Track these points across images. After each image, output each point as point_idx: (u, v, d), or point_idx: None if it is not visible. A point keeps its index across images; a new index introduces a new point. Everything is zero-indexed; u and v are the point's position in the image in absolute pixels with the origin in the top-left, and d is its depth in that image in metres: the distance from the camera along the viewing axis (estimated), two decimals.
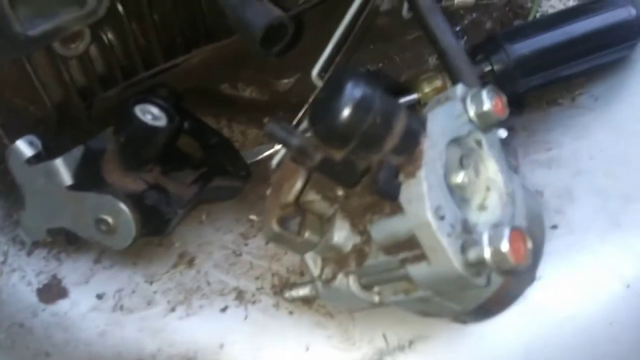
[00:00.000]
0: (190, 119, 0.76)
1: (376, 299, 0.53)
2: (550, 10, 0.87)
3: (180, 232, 0.69)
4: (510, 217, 0.49)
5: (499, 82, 0.77)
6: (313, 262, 0.55)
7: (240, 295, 0.63)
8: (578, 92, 0.81)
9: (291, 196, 0.50)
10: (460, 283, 0.45)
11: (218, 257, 0.66)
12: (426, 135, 0.46)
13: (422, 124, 0.47)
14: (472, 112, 0.49)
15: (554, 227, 0.67)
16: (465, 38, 0.88)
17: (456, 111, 0.49)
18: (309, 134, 0.45)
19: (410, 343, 0.59)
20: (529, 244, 0.43)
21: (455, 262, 0.43)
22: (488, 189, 0.50)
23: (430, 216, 0.44)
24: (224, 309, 0.62)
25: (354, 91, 0.43)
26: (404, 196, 0.45)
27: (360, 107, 0.43)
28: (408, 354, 0.59)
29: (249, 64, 0.80)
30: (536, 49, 0.76)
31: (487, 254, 0.42)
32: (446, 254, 0.43)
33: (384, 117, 0.44)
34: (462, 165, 0.49)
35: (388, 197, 0.45)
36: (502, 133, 0.60)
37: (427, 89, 0.72)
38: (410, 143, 0.45)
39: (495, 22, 0.89)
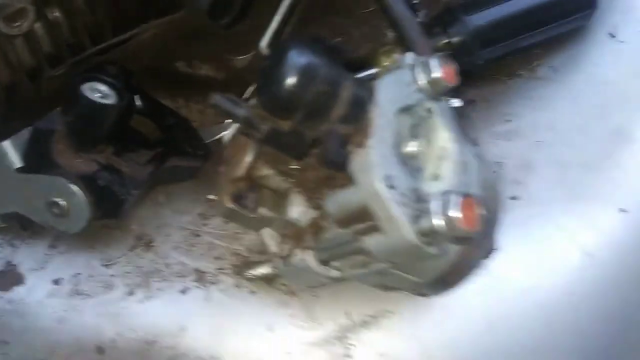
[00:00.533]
0: (146, 98, 0.74)
1: (335, 273, 0.52)
2: None
3: (138, 214, 0.67)
4: (464, 186, 0.49)
5: (457, 54, 0.77)
6: (271, 239, 0.55)
7: (200, 277, 0.62)
8: (537, 63, 0.81)
9: (241, 170, 0.49)
10: (415, 252, 0.44)
11: (177, 239, 0.65)
12: (375, 103, 0.45)
13: (370, 92, 0.46)
14: (421, 80, 0.49)
15: (514, 198, 0.67)
16: (424, 10, 0.87)
17: (405, 79, 0.48)
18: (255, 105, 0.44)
19: (374, 319, 0.59)
20: (481, 211, 0.43)
21: (408, 231, 0.43)
22: (441, 158, 0.49)
23: (380, 185, 0.43)
24: (183, 291, 0.61)
25: (297, 59, 0.42)
26: (354, 166, 0.45)
27: (304, 75, 0.42)
28: (372, 330, 0.59)
29: (204, 41, 0.78)
30: (493, 20, 0.76)
31: (438, 221, 0.42)
32: (398, 223, 0.43)
33: (329, 85, 0.43)
34: (413, 134, 0.49)
35: (337, 168, 0.45)
36: (456, 102, 0.59)
37: (385, 62, 0.71)
38: (358, 112, 0.45)
39: None
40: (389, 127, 0.46)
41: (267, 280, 0.61)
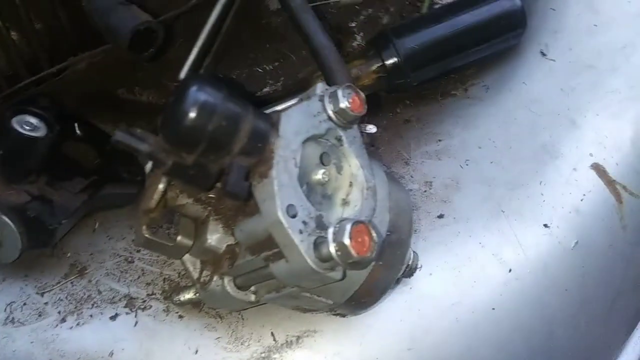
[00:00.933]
0: (85, 125, 0.76)
1: (252, 298, 0.54)
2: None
3: (73, 241, 0.69)
4: (371, 211, 0.51)
5: (391, 76, 0.79)
6: (192, 266, 0.56)
7: (130, 302, 0.64)
8: (470, 82, 0.84)
9: (152, 202, 0.50)
10: (317, 278, 0.46)
11: (110, 265, 0.67)
12: (278, 135, 0.47)
13: (274, 124, 0.48)
14: (330, 110, 0.51)
15: (440, 216, 0.69)
16: (361, 34, 0.90)
17: (313, 110, 0.50)
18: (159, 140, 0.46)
19: (298, 339, 0.61)
20: (375, 236, 0.45)
21: (308, 258, 0.45)
22: (351, 184, 0.52)
23: (281, 214, 0.45)
24: (114, 317, 0.63)
25: (197, 95, 0.44)
26: (258, 196, 0.47)
27: (203, 110, 0.44)
28: (296, 350, 0.61)
29: (144, 68, 0.80)
30: (425, 43, 0.79)
31: (332, 248, 0.44)
32: (298, 250, 0.45)
33: (229, 120, 0.45)
34: (322, 162, 0.51)
35: (238, 199, 0.46)
36: (372, 129, 0.61)
37: None
38: (260, 144, 0.46)
39: (392, 16, 0.91)
40: (292, 157, 0.48)
41: (196, 304, 0.63)
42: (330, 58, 0.60)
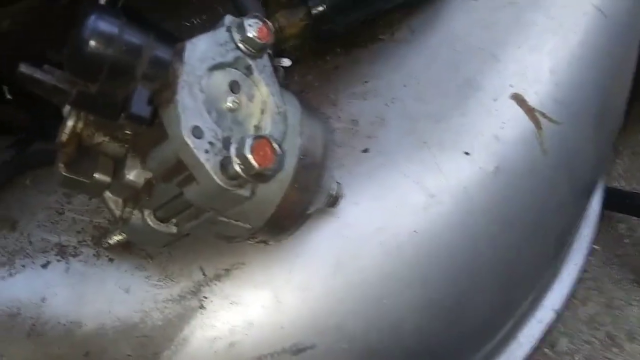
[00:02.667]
0: (15, 88, 0.77)
1: (173, 229, 0.56)
2: None
3: (4, 198, 0.70)
4: (281, 134, 0.53)
5: (317, 23, 0.81)
6: (114, 204, 0.58)
7: (61, 250, 0.65)
8: (397, 26, 0.86)
9: (64, 136, 0.52)
10: (227, 196, 0.48)
11: (41, 218, 0.68)
12: (183, 62, 0.49)
13: (178, 52, 0.50)
14: (237, 39, 0.52)
15: (365, 150, 0.72)
16: None
17: (220, 39, 0.52)
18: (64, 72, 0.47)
19: (227, 271, 0.63)
20: (277, 149, 0.47)
21: (215, 175, 0.47)
22: (263, 111, 0.54)
23: (186, 135, 0.47)
24: (45, 265, 0.64)
25: (95, 23, 0.45)
26: (165, 120, 0.48)
27: (102, 37, 0.45)
28: (225, 282, 0.63)
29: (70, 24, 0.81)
30: None
31: (235, 162, 0.46)
32: (205, 169, 0.47)
33: (129, 45, 0.46)
34: (232, 90, 0.53)
35: (142, 122, 0.48)
36: (286, 62, 0.63)
37: None
38: (162, 70, 0.48)
39: None
40: (197, 82, 0.50)
41: (126, 247, 0.64)
42: None
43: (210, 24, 0.84)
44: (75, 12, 0.66)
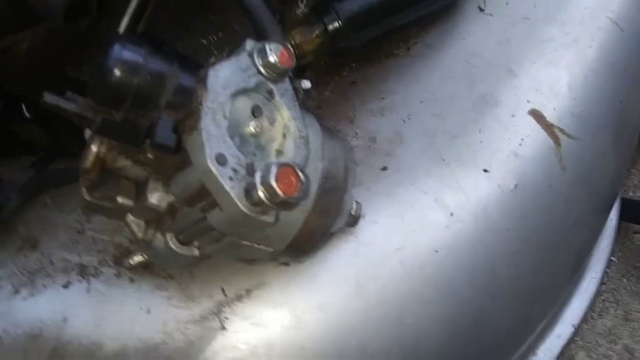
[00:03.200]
0: (32, 105, 0.77)
1: (196, 252, 0.56)
2: None
3: (24, 217, 0.71)
4: (304, 159, 0.53)
5: (333, 40, 0.81)
6: (136, 227, 0.58)
7: (82, 270, 0.66)
8: (412, 41, 0.86)
9: (88, 162, 0.52)
10: (251, 222, 0.49)
11: (61, 237, 0.68)
12: (206, 89, 0.49)
13: (202, 78, 0.50)
14: (259, 64, 0.53)
15: (384, 168, 0.72)
16: (304, 1, 0.92)
17: (242, 64, 0.52)
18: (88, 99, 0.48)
19: (248, 292, 0.63)
20: (301, 177, 0.47)
21: (239, 202, 0.47)
22: (284, 135, 0.54)
23: (210, 163, 0.47)
24: (66, 285, 0.65)
25: (120, 52, 0.46)
26: (189, 148, 0.49)
27: (127, 65, 0.46)
28: (246, 303, 0.63)
29: (89, 44, 0.81)
30: (364, 5, 0.81)
31: (260, 190, 0.46)
32: (230, 196, 0.47)
33: (153, 74, 0.47)
34: (254, 115, 0.53)
35: (167, 150, 0.49)
36: (307, 84, 0.64)
37: None
38: (186, 97, 0.49)
39: None
40: (221, 109, 0.50)
41: (146, 267, 0.64)
42: (260, 16, 0.62)
43: (227, 42, 0.85)
44: (94, 32, 0.67)
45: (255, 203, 0.48)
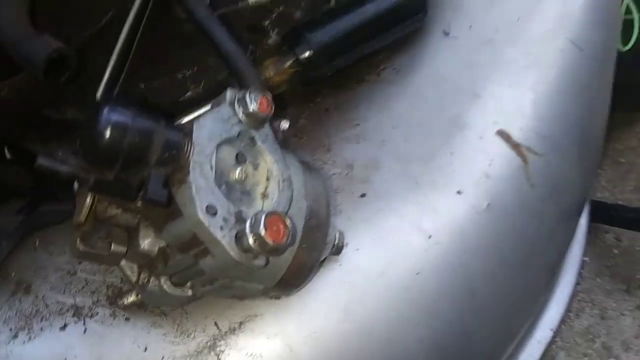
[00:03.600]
0: (14, 148, 0.79)
1: (189, 293, 0.59)
2: None
3: (15, 261, 0.72)
4: (288, 200, 0.56)
5: (305, 70, 0.84)
6: (130, 270, 0.61)
7: (78, 312, 0.68)
8: (382, 67, 0.90)
9: (82, 216, 0.55)
10: (242, 268, 0.52)
11: (54, 279, 0.70)
12: (192, 143, 0.52)
13: (187, 133, 0.53)
14: (240, 114, 0.56)
15: (363, 195, 0.75)
16: (275, 30, 0.95)
17: (224, 115, 0.55)
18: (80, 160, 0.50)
19: (241, 324, 0.66)
20: (288, 224, 0.50)
21: (231, 251, 0.50)
22: (268, 178, 0.57)
23: (201, 215, 0.50)
24: (63, 327, 0.67)
25: (108, 116, 0.48)
26: (179, 201, 0.52)
27: (116, 129, 0.48)
28: (239, 335, 0.66)
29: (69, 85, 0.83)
30: (334, 35, 0.84)
31: (250, 239, 0.49)
32: (221, 245, 0.50)
33: (142, 135, 0.50)
34: (238, 161, 0.56)
35: (159, 205, 0.51)
36: (285, 124, 0.67)
37: None
38: (174, 153, 0.51)
39: (304, 10, 0.95)
40: (207, 162, 0.53)
41: (140, 306, 0.67)
42: (237, 61, 0.65)
43: (202, 76, 0.87)
44: (74, 84, 0.69)
45: (246, 250, 0.51)
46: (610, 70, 0.94)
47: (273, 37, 0.96)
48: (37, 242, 0.75)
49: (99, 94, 0.67)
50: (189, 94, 0.88)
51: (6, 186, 0.76)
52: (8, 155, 0.78)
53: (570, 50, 0.87)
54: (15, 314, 0.69)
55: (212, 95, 0.69)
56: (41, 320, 0.68)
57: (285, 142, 0.69)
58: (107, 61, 0.71)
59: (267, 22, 0.95)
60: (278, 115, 0.77)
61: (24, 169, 0.80)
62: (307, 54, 0.84)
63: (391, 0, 0.87)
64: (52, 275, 0.71)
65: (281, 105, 0.85)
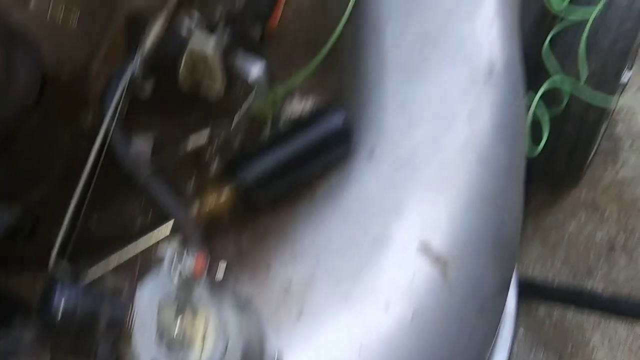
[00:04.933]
0: None
1: None
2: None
3: None
4: (224, 347, 0.63)
5: (243, 198, 0.92)
6: None
7: None
8: (316, 188, 0.98)
9: None
10: None
11: None
12: (134, 310, 0.59)
13: (128, 304, 0.60)
14: (177, 277, 0.63)
15: (300, 313, 0.82)
16: (217, 160, 1.03)
17: (164, 271, 0.63)
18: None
19: None
20: None
21: None
22: (205, 328, 0.64)
23: None
24: None
25: (58, 301, 0.56)
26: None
27: (66, 309, 0.55)
28: None
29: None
30: (267, 169, 0.94)
31: None
32: None
33: (89, 313, 0.57)
34: (179, 312, 0.63)
35: None
36: (220, 275, 0.73)
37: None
38: (118, 326, 0.58)
39: (245, 133, 1.04)
40: (152, 322, 0.60)
41: None
42: (178, 219, 0.72)
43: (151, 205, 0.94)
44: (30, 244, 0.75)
45: None
46: (520, 178, 1.04)
47: (215, 166, 1.04)
48: None
49: (50, 263, 0.73)
50: (138, 222, 0.95)
51: None
52: None
53: (479, 168, 0.97)
54: None
55: (158, 223, 0.77)
56: None
57: (227, 272, 0.76)
58: (61, 216, 0.77)
59: (207, 156, 1.03)
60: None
61: None
62: (244, 184, 0.92)
63: (319, 133, 0.96)
64: None
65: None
